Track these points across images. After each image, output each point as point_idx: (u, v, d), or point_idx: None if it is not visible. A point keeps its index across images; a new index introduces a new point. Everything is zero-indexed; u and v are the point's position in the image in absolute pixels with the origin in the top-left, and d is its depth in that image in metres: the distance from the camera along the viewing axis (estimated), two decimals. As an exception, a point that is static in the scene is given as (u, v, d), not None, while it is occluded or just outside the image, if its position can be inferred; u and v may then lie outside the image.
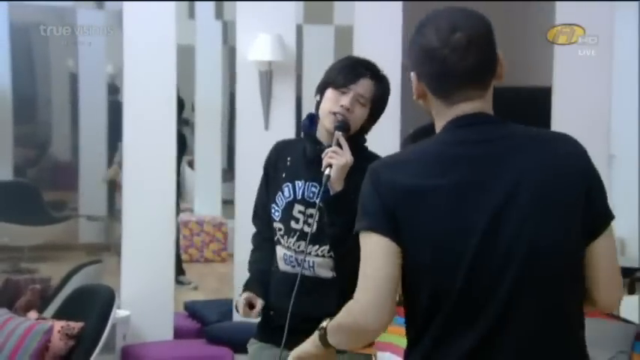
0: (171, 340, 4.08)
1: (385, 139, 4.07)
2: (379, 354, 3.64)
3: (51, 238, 4.67)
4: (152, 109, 4.03)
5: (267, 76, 3.96)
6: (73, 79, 4.73)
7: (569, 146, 1.57)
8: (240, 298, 2.38)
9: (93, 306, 3.40)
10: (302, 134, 2.46)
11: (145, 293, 4.01)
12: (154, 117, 4.02)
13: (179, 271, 5.49)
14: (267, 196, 2.41)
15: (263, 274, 2.41)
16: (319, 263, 2.33)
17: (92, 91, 4.69)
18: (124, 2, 3.93)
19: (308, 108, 5.90)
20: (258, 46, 3.91)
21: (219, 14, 5.98)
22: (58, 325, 3.29)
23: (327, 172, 2.23)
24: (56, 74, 4.84)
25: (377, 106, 2.36)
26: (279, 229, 2.36)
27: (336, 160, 2.25)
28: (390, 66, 4.02)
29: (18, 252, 4.44)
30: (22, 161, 4.69)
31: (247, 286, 2.41)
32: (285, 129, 4.01)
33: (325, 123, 2.32)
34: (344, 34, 4.53)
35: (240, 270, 3.89)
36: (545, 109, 4.30)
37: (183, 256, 6.20)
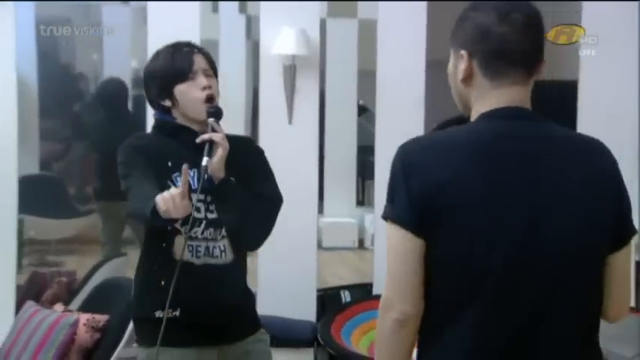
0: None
1: (409, 132, 4.06)
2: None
3: (76, 231, 4.70)
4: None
5: (290, 70, 3.96)
6: (98, 74, 4.76)
7: (603, 156, 1.57)
8: (160, 197, 2.02)
9: (118, 299, 3.42)
10: (156, 128, 2.33)
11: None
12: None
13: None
14: (155, 182, 2.18)
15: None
16: (229, 245, 2.29)
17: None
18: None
19: (331, 102, 5.92)
20: (281, 40, 3.91)
21: (242, 8, 5.98)
22: (84, 317, 3.32)
23: (204, 162, 2.16)
24: (81, 69, 4.88)
25: (215, 70, 2.35)
26: (177, 222, 2.17)
27: (220, 150, 2.18)
28: (415, 60, 4.04)
29: (44, 245, 4.48)
30: (48, 155, 4.73)
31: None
32: (308, 123, 4.01)
33: (199, 116, 2.25)
34: (368, 28, 4.51)
35: (265, 265, 3.91)
36: (571, 103, 4.26)
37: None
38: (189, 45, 2.33)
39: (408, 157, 1.56)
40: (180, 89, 2.26)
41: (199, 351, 2.27)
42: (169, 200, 2.00)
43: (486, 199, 1.49)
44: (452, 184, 1.50)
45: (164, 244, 2.26)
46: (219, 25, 5.88)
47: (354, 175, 6.13)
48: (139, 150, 2.28)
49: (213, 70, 2.34)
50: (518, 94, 1.56)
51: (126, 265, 4.32)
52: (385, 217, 1.56)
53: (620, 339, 2.63)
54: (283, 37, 3.91)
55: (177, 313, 2.23)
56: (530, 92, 1.59)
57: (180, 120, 2.31)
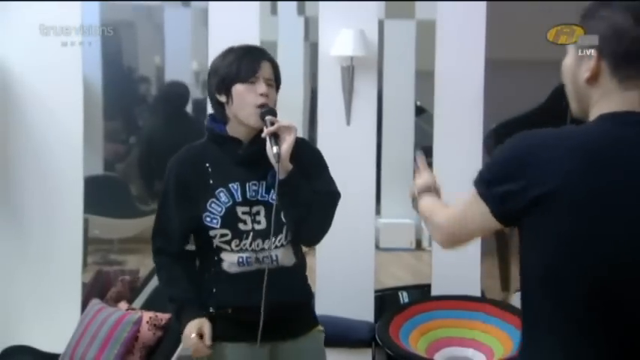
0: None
1: (467, 133, 4.04)
2: (462, 349, 3.62)
3: (139, 231, 4.77)
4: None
5: (349, 72, 3.98)
6: (160, 75, 4.84)
7: None
8: (187, 332, 2.28)
9: (179, 297, 3.47)
10: (207, 136, 2.36)
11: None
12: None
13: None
14: (181, 213, 2.30)
15: (197, 296, 2.34)
16: (282, 253, 2.31)
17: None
18: (210, 1, 4.00)
19: (389, 103, 5.92)
20: (340, 41, 3.93)
21: (301, 10, 6.01)
22: (147, 315, 3.37)
23: (275, 150, 2.19)
24: (144, 71, 4.97)
25: (279, 82, 2.36)
26: (224, 235, 2.28)
27: (288, 137, 2.21)
28: (473, 60, 4.01)
29: (108, 244, 4.57)
30: (112, 156, 4.82)
31: (188, 316, 2.31)
32: (366, 124, 4.01)
33: (248, 120, 2.27)
34: (426, 29, 4.50)
35: (323, 266, 3.93)
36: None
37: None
38: (261, 51, 2.36)
39: (524, 145, 1.53)
40: (238, 89, 2.28)
41: (252, 346, 2.31)
42: (189, 341, 2.27)
43: (599, 204, 1.46)
44: (558, 186, 1.47)
45: (215, 258, 2.34)
46: (278, 26, 5.93)
47: (412, 176, 6.10)
48: (182, 172, 2.33)
49: (276, 81, 2.35)
50: None
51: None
52: (477, 187, 1.57)
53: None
54: (341, 39, 3.93)
55: (230, 310, 2.31)
56: None
57: (231, 123, 2.33)
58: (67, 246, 3.95)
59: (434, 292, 4.02)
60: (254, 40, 4.03)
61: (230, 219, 2.28)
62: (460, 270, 3.95)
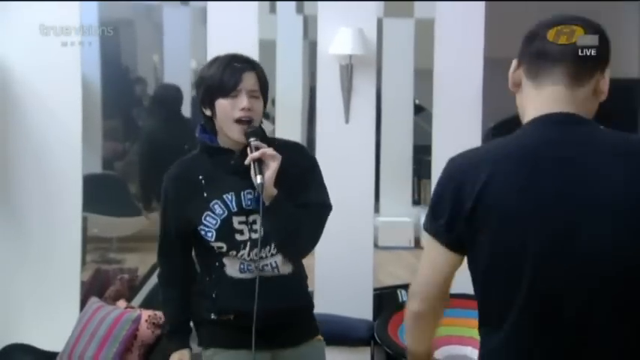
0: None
1: (466, 132, 4.04)
2: (461, 347, 3.62)
3: (137, 229, 4.78)
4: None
5: (347, 70, 3.97)
6: (159, 74, 4.84)
7: None
8: None
9: (178, 296, 3.48)
10: (199, 148, 2.35)
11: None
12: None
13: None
14: (179, 228, 2.33)
15: (185, 324, 2.44)
16: (280, 261, 2.30)
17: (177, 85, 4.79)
18: (209, 0, 4.00)
19: (388, 101, 5.90)
20: (339, 39, 3.93)
21: (300, 9, 6.02)
22: (146, 314, 3.38)
23: (259, 180, 2.16)
24: (142, 70, 4.97)
25: (265, 90, 2.30)
26: (220, 248, 2.28)
27: (272, 163, 2.18)
28: (472, 59, 4.02)
29: (106, 243, 4.57)
30: (111, 154, 4.83)
31: (172, 345, 2.45)
32: (365, 122, 4.01)
33: (231, 134, 2.25)
34: (424, 28, 4.50)
35: (322, 264, 3.93)
36: (634, 101, 4.19)
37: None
38: (245, 61, 2.30)
39: (453, 170, 1.61)
40: (220, 103, 2.25)
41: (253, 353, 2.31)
42: None
43: (524, 206, 1.51)
44: (491, 193, 1.53)
45: (217, 263, 2.33)
46: (277, 25, 5.93)
47: (410, 175, 6.12)
48: (175, 188, 2.34)
49: (262, 90, 2.30)
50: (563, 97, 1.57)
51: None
52: (426, 229, 1.64)
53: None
54: (340, 37, 3.93)
55: (232, 317, 2.31)
56: (583, 95, 1.59)
57: (219, 134, 2.31)
58: (65, 244, 3.95)
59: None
60: (253, 39, 4.04)
61: (225, 231, 2.27)
62: (458, 268, 3.95)
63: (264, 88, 2.31)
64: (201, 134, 2.34)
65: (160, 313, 3.36)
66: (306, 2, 5.94)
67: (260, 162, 2.19)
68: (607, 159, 1.52)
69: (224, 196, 2.27)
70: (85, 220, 4.11)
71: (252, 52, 4.11)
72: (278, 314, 2.28)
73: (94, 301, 3.58)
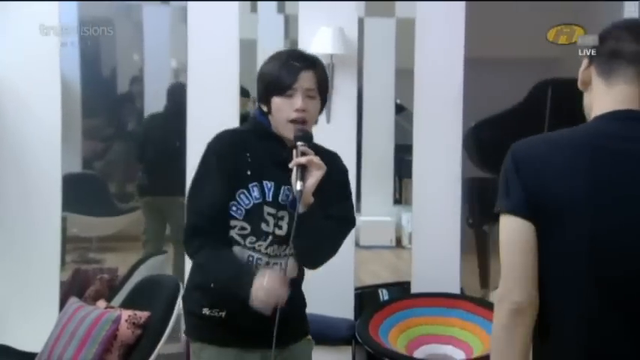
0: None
1: (447, 131, 4.05)
2: (441, 346, 3.64)
3: (118, 229, 4.75)
4: (215, 102, 4.09)
5: (328, 69, 3.97)
6: (139, 74, 4.81)
7: None
8: (259, 285, 2.11)
9: (159, 296, 3.47)
10: (251, 127, 2.30)
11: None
12: (217, 110, 4.08)
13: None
14: (223, 190, 2.20)
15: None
16: (292, 263, 2.27)
17: (157, 85, 4.77)
18: (189, 1, 3.99)
19: (369, 101, 5.91)
20: (319, 39, 3.94)
21: (281, 8, 6.01)
22: (126, 314, 3.36)
23: (299, 186, 2.12)
24: (122, 69, 4.94)
25: (324, 90, 2.28)
26: (243, 228, 2.23)
27: (316, 172, 2.14)
28: (453, 59, 4.03)
29: (86, 243, 4.54)
30: (90, 154, 4.79)
31: (248, 275, 2.16)
32: (346, 122, 4.02)
33: (284, 132, 2.23)
34: (406, 27, 4.51)
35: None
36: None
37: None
38: (304, 59, 2.26)
39: (519, 154, 1.60)
40: (276, 102, 2.23)
41: (241, 353, 2.29)
42: (268, 291, 2.06)
43: (586, 196, 1.53)
44: (557, 181, 1.54)
45: None
46: (258, 24, 5.92)
47: (392, 174, 6.12)
48: (224, 153, 2.25)
49: (320, 89, 2.26)
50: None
51: (166, 263, 4.37)
52: (499, 210, 1.59)
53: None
54: (321, 37, 3.93)
55: (224, 314, 2.28)
56: None
57: (274, 128, 2.28)
58: (45, 244, 3.93)
59: (413, 289, 4.03)
60: (233, 38, 4.03)
61: (255, 215, 2.23)
62: (440, 268, 3.97)
63: (322, 87, 2.28)
64: (260, 117, 2.30)
65: (139, 313, 3.35)
66: (287, 2, 5.94)
67: (303, 168, 2.17)
68: None
69: (264, 182, 2.24)
70: (64, 219, 4.09)
71: (233, 52, 4.12)
72: (271, 316, 2.23)
73: (73, 302, 3.56)
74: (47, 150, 3.92)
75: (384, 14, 5.55)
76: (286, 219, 2.24)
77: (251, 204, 2.23)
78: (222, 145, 2.29)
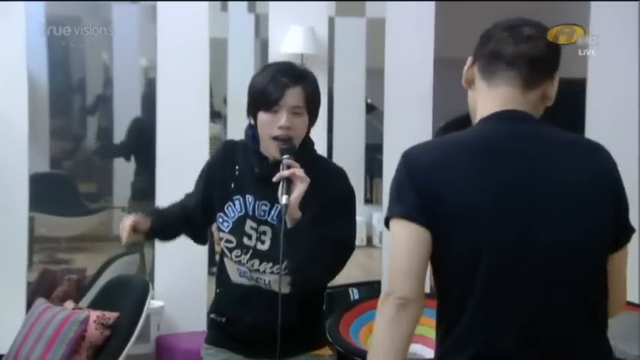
0: (204, 330, 4.12)
1: (417, 130, 4.07)
2: (411, 345, 3.65)
3: (86, 229, 4.72)
4: (185, 102, 4.07)
5: (299, 69, 3.98)
6: (108, 72, 4.78)
7: (601, 157, 1.61)
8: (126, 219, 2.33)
9: (128, 296, 3.45)
10: (245, 139, 2.31)
11: (179, 284, 4.06)
12: (186, 109, 4.06)
13: (212, 262, 5.53)
14: (195, 196, 2.35)
15: (167, 217, 2.43)
16: (274, 280, 2.21)
17: (126, 84, 4.74)
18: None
19: (339, 100, 5.92)
20: (290, 38, 3.93)
21: (251, 7, 6.00)
22: (94, 314, 3.34)
23: (284, 200, 2.07)
24: (91, 67, 4.90)
25: (313, 106, 2.22)
26: (229, 241, 2.25)
27: (300, 185, 2.08)
28: (423, 58, 4.05)
29: (54, 243, 4.50)
30: (58, 153, 4.75)
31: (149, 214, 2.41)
32: (317, 121, 4.02)
33: (269, 149, 2.18)
34: (376, 27, 4.52)
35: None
36: (580, 101, 4.26)
37: (217, 249, 6.24)
38: (292, 75, 2.19)
39: (411, 161, 1.61)
40: (261, 117, 2.18)
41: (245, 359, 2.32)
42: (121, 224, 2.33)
43: (484, 198, 1.54)
44: (452, 185, 1.55)
45: (224, 261, 2.33)
46: (228, 23, 5.91)
47: (362, 173, 6.13)
48: (215, 161, 2.34)
49: (309, 106, 2.20)
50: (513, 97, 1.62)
51: (136, 263, 4.34)
52: (390, 215, 1.60)
53: (624, 337, 2.64)
54: (292, 36, 3.93)
55: (224, 319, 2.31)
56: (533, 98, 1.63)
57: (262, 142, 2.24)
58: (11, 245, 3.89)
59: (384, 288, 4.04)
60: (203, 37, 4.02)
61: (239, 228, 2.23)
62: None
63: (311, 103, 2.21)
64: (248, 130, 2.28)
65: (108, 314, 3.32)
66: (257, 1, 5.93)
67: (289, 181, 2.11)
68: (563, 156, 1.57)
69: (246, 196, 2.23)
70: (31, 219, 4.05)
71: (203, 51, 4.11)
72: (264, 329, 2.20)
73: (40, 302, 3.52)
74: (14, 149, 3.88)
75: (355, 14, 5.57)
76: (269, 234, 2.22)
77: (236, 216, 2.24)
78: (216, 155, 2.36)
